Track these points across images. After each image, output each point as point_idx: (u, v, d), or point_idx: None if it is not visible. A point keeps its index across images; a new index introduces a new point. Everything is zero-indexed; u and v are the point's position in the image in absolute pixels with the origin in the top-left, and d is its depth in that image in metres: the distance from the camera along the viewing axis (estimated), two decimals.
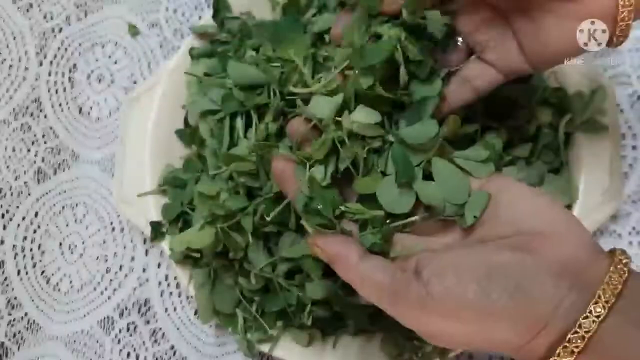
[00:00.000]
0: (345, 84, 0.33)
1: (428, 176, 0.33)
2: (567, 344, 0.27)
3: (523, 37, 0.34)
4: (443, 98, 0.35)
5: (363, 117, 0.33)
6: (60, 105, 0.56)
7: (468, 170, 0.33)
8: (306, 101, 0.35)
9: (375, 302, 0.30)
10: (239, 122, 0.42)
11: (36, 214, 0.54)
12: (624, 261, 0.28)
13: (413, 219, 0.33)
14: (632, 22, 0.32)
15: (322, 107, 0.33)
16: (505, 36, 0.35)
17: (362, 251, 0.31)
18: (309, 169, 0.33)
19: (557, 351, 0.27)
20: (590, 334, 0.27)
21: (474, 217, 0.31)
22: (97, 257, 0.53)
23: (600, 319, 0.27)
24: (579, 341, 0.27)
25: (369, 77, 0.33)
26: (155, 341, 0.51)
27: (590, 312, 0.27)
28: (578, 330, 0.27)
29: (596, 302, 0.27)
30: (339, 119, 0.33)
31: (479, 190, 0.32)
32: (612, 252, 0.30)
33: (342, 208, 0.33)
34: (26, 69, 0.57)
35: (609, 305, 0.27)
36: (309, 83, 0.37)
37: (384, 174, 0.33)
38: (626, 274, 0.28)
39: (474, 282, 0.28)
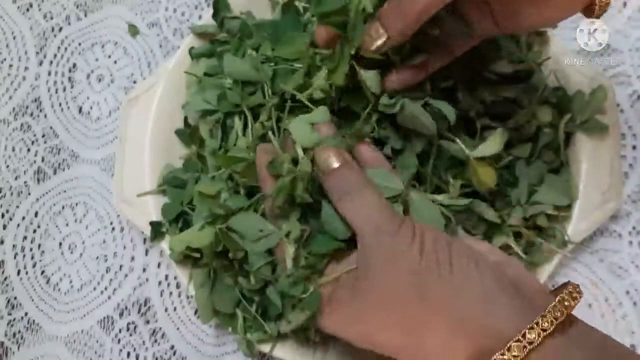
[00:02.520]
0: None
1: None
2: None
3: (498, 15, 0.34)
4: (424, 64, 0.37)
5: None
6: (60, 105, 0.56)
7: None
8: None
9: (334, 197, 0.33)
10: (237, 122, 0.42)
11: (36, 214, 0.54)
12: (573, 295, 0.28)
13: None
14: None
15: (304, 134, 0.35)
16: (481, 7, 0.35)
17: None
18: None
19: None
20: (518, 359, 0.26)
21: None
22: (97, 257, 0.53)
23: (532, 346, 0.26)
24: None
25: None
26: (155, 341, 0.51)
27: (524, 335, 0.26)
28: (506, 352, 0.26)
29: (532, 328, 0.27)
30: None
31: None
32: (564, 286, 0.30)
33: None
34: (26, 68, 0.57)
35: (545, 334, 0.26)
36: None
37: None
38: (571, 307, 0.28)
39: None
